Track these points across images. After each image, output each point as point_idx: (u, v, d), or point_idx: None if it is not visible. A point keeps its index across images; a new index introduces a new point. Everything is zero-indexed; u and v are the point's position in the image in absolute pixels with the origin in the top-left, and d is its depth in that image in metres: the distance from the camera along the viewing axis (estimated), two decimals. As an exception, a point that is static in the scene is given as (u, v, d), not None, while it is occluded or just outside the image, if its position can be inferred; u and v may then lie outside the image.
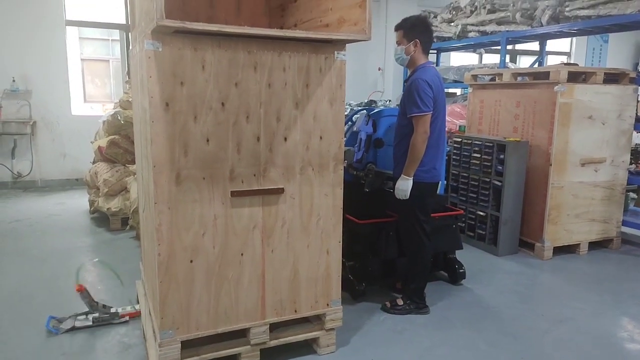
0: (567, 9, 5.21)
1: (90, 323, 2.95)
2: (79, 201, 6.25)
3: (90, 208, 5.47)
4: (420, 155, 3.00)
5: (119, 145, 5.18)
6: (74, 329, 2.91)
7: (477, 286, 3.77)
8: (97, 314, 2.99)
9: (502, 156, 4.40)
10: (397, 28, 3.20)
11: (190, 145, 2.18)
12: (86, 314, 2.98)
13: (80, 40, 9.01)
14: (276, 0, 3.30)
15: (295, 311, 2.57)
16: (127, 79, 6.37)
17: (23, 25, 6.82)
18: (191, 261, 2.25)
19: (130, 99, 4.95)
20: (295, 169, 2.44)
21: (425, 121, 2.98)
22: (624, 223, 4.85)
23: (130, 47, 3.10)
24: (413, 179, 3.05)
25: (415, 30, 3.12)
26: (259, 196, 2.36)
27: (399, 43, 3.19)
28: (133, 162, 4.82)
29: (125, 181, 5.05)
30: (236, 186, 2.30)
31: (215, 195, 2.26)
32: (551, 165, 4.30)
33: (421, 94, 2.96)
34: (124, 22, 7.65)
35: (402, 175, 3.07)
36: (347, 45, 2.45)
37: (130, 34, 3.35)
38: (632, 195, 5.58)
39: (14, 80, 6.81)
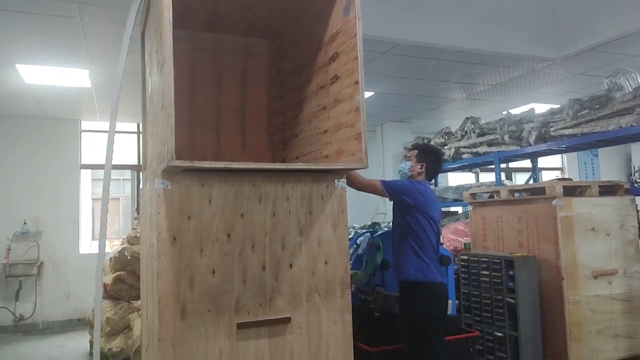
0: (551, 129, 5.52)
1: None
2: (79, 343, 6.01)
3: (91, 350, 5.25)
4: (356, 178, 3.00)
5: (124, 282, 5.14)
6: None
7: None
8: None
9: (511, 272, 4.33)
10: (413, 147, 3.42)
11: (196, 279, 2.18)
12: None
13: (93, 181, 9.49)
14: (278, 136, 3.54)
15: None
16: (137, 215, 6.56)
17: (40, 170, 7.19)
18: (195, 404, 2.12)
19: (138, 235, 5.04)
20: (301, 296, 2.40)
21: (374, 184, 3.11)
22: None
23: (141, 186, 3.26)
24: (411, 283, 3.04)
25: (427, 157, 3.31)
26: (266, 327, 2.29)
27: (408, 158, 3.35)
28: (138, 297, 4.75)
29: (128, 318, 4.92)
30: (242, 318, 2.25)
31: (221, 328, 2.20)
32: (563, 279, 4.22)
33: (397, 181, 3.17)
34: (136, 162, 8.10)
35: None
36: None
37: (141, 173, 3.54)
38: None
39: (25, 223, 7.00)
